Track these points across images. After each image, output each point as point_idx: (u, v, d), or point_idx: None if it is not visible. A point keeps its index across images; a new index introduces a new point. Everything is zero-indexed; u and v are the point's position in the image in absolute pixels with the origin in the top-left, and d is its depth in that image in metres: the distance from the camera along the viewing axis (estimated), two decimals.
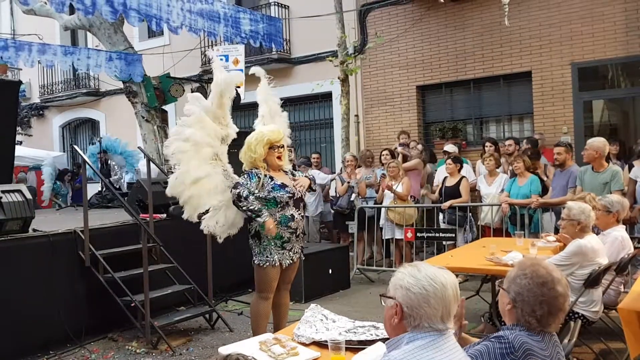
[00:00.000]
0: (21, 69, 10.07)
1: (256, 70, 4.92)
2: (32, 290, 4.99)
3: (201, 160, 4.34)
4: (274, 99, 4.93)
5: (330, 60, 9.98)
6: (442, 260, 5.05)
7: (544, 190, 6.90)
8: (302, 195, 4.41)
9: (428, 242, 7.74)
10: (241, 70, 10.26)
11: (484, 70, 10.01)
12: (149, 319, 5.04)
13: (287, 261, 4.38)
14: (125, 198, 7.15)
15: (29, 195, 5.25)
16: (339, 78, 9.84)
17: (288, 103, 12.57)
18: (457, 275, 5.25)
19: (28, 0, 5.49)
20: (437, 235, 7.25)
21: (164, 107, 10.40)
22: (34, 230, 5.30)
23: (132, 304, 5.17)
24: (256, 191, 4.22)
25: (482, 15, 9.91)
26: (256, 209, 4.17)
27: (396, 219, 7.65)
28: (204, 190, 4.33)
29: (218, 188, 4.35)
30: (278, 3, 12.08)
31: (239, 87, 9.82)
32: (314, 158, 9.51)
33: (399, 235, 7.62)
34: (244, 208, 4.20)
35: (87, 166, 5.84)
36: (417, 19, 10.53)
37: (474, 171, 8.37)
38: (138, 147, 6.72)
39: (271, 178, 4.29)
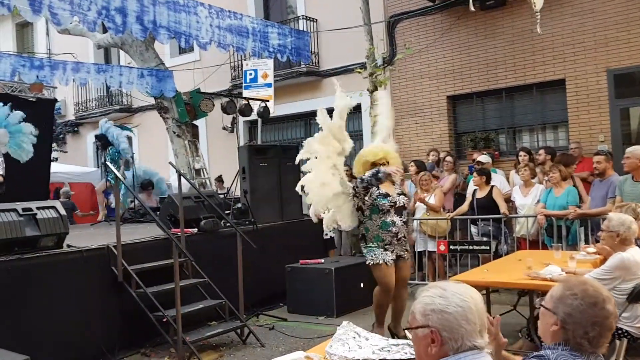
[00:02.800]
0: (56, 87, 10.32)
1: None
2: (66, 306, 5.04)
3: (322, 171, 5.29)
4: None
5: (359, 72, 9.94)
6: (477, 274, 4.92)
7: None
8: (404, 204, 5.22)
9: (462, 254, 7.57)
10: (270, 84, 10.33)
11: (516, 79, 9.83)
12: (181, 334, 5.03)
13: (390, 261, 5.11)
14: (157, 213, 7.20)
15: (63, 212, 5.33)
16: (367, 90, 9.79)
17: (316, 116, 12.63)
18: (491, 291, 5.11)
19: (61, 20, 5.59)
20: (471, 247, 7.09)
21: (194, 122, 10.52)
22: (68, 245, 5.37)
23: (164, 319, 5.17)
24: (366, 197, 5.11)
25: (514, 23, 9.76)
26: (367, 178, 5.04)
27: (428, 231, 7.53)
28: (327, 193, 5.24)
29: (335, 193, 5.23)
30: (306, 16, 12.13)
31: (267, 100, 9.90)
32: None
33: (431, 247, 7.49)
34: (364, 183, 5.07)
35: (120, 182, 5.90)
36: (447, 29, 10.43)
37: (508, 182, 8.17)
38: (169, 163, 6.78)
39: (377, 187, 5.09)
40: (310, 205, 5.72)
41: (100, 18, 6.00)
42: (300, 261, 6.94)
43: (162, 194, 10.46)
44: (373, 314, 6.57)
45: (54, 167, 9.68)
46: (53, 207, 5.28)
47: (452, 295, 1.70)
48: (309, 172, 5.39)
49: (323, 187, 5.20)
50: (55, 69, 8.69)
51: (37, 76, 8.56)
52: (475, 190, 7.44)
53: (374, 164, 5.16)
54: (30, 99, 9.56)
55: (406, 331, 1.81)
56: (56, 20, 5.58)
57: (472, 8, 8.57)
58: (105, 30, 9.91)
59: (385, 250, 5.11)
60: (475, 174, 7.49)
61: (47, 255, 5.07)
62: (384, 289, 5.15)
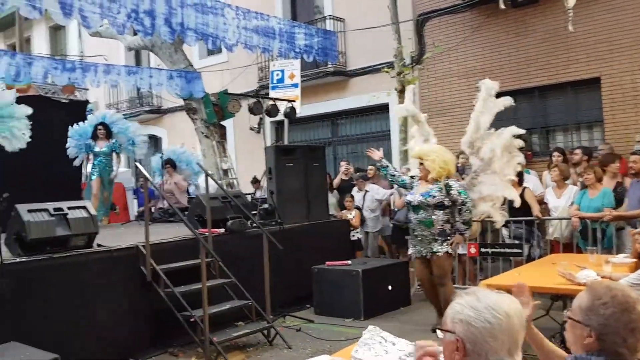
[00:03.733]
0: (88, 89, 10.47)
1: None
2: (96, 305, 5.10)
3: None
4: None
5: (387, 72, 9.85)
6: (509, 278, 4.80)
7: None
8: (418, 203, 5.56)
9: (493, 258, 7.42)
10: (297, 84, 10.31)
11: (549, 78, 9.60)
12: (208, 334, 5.04)
13: (413, 255, 5.77)
14: (186, 213, 7.24)
15: (93, 212, 5.39)
16: (395, 89, 9.69)
17: (344, 115, 12.60)
18: None
19: (91, 23, 5.66)
20: (502, 250, 6.94)
21: (222, 122, 10.57)
22: (98, 245, 5.43)
23: (192, 319, 5.19)
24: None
25: (546, 20, 9.54)
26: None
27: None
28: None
29: None
30: (334, 16, 12.09)
31: (294, 101, 9.89)
32: (370, 170, 9.37)
33: (462, 250, 7.36)
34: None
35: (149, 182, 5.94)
36: (477, 27, 10.26)
37: (542, 183, 7.97)
38: (197, 163, 6.81)
39: (415, 186, 5.73)
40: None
41: (129, 21, 6.07)
42: (327, 262, 6.90)
43: (195, 173, 10.32)
44: (401, 315, 6.53)
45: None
46: (83, 207, 5.35)
47: (485, 309, 1.61)
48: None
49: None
50: (86, 71, 8.83)
51: (69, 78, 8.71)
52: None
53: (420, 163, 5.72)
54: (63, 101, 9.75)
55: (437, 330, 1.74)
56: (86, 23, 5.66)
57: (502, 5, 8.41)
58: (135, 33, 10.05)
59: (416, 245, 5.69)
60: None
61: (78, 255, 5.13)
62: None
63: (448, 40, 10.54)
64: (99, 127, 9.23)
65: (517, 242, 6.89)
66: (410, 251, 5.77)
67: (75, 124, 9.37)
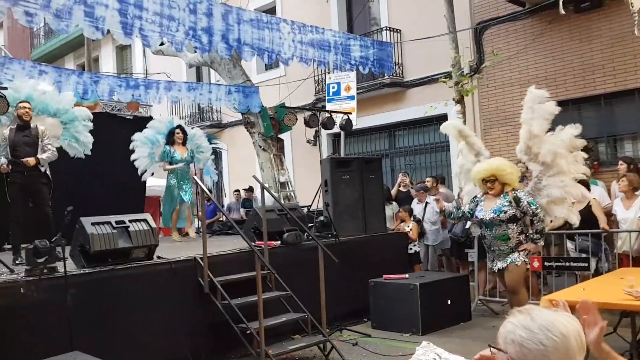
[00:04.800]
0: (151, 105, 10.85)
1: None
2: (155, 315, 5.21)
3: (467, 176, 6.35)
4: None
5: (444, 82, 9.68)
6: (573, 293, 4.57)
7: None
8: (491, 221, 5.54)
9: (558, 272, 7.10)
10: (352, 97, 10.31)
11: (615, 84, 9.16)
12: (264, 347, 5.05)
13: (491, 267, 5.87)
14: (242, 226, 7.33)
15: (153, 224, 5.53)
16: (453, 99, 9.51)
17: (401, 127, 12.47)
18: None
19: (150, 41, 5.87)
20: (567, 264, 6.62)
21: (280, 135, 10.69)
22: (158, 257, 5.56)
23: (248, 331, 5.22)
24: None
25: (611, 25, 9.13)
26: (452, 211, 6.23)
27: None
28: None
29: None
30: (390, 27, 12.03)
31: (350, 113, 9.88)
32: (427, 182, 9.22)
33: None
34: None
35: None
36: (538, 34, 9.94)
37: (609, 194, 7.58)
38: (253, 176, 6.88)
39: (482, 202, 5.70)
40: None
41: (187, 38, 6.25)
42: (384, 276, 6.79)
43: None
44: (461, 331, 6.33)
45: (150, 181, 10.10)
46: (144, 220, 5.50)
47: (539, 330, 1.50)
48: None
49: (469, 196, 6.25)
50: (149, 88, 9.15)
51: (133, 95, 9.05)
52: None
53: (484, 181, 5.60)
54: (128, 117, 10.15)
55: (490, 348, 1.64)
56: (146, 41, 5.87)
57: (562, 11, 8.10)
58: (195, 50, 10.36)
59: (492, 260, 5.79)
60: None
61: (138, 266, 5.27)
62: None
63: (508, 48, 10.27)
64: (177, 130, 8.40)
65: (583, 255, 6.57)
66: (488, 265, 5.96)
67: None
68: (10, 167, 5.96)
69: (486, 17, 10.62)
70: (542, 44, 9.92)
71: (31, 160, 5.91)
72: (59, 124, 7.03)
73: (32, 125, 6.19)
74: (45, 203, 6.10)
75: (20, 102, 6.18)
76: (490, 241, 5.63)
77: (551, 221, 6.40)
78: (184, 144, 8.47)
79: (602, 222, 6.58)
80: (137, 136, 8.65)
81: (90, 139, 7.23)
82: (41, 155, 6.06)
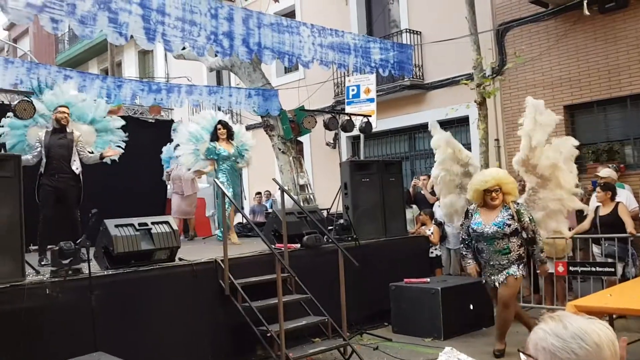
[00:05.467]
0: (173, 109, 10.96)
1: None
2: (177, 317, 5.25)
3: (449, 187, 6.46)
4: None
5: (466, 84, 9.60)
6: (599, 299, 4.49)
7: None
8: (493, 235, 5.22)
9: (583, 277, 6.98)
10: (372, 99, 10.27)
11: None
12: (284, 349, 5.05)
13: (487, 280, 5.47)
14: (262, 228, 7.35)
15: (175, 227, 5.57)
16: (475, 101, 9.42)
17: (422, 129, 12.39)
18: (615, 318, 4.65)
19: (173, 46, 5.93)
20: (593, 269, 6.51)
21: (299, 138, 10.70)
22: (180, 259, 5.60)
23: (268, 334, 5.22)
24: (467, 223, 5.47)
25: (637, 25, 8.96)
26: (463, 253, 5.66)
27: (546, 251, 7.01)
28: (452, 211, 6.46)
29: (459, 213, 5.94)
30: (410, 30, 11.98)
31: (370, 115, 9.85)
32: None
33: (551, 268, 6.97)
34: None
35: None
36: (562, 35, 9.81)
37: (637, 197, 7.43)
38: (273, 179, 6.90)
39: (478, 214, 5.34)
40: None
41: (208, 43, 6.29)
42: (405, 280, 6.75)
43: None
44: (483, 337, 6.26)
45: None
46: (166, 222, 5.54)
47: (571, 338, 1.44)
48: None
49: (450, 207, 6.15)
50: (170, 92, 9.24)
51: (155, 99, 9.14)
52: (598, 207, 6.83)
53: (487, 191, 5.24)
54: (150, 121, 10.26)
55: (521, 353, 1.60)
56: (169, 46, 5.92)
57: (586, 12, 8.00)
58: (216, 54, 10.43)
59: (489, 275, 5.42)
60: (598, 189, 6.89)
61: (161, 268, 5.32)
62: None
63: (531, 49, 10.15)
64: (218, 126, 7.89)
65: (609, 260, 6.44)
66: (484, 281, 5.52)
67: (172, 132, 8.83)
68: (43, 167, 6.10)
69: (508, 19, 10.51)
70: (566, 45, 9.78)
71: (114, 152, 6.49)
72: (93, 132, 7.18)
73: (67, 130, 6.35)
74: (74, 207, 6.21)
75: (60, 107, 6.37)
76: (490, 255, 5.31)
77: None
78: (229, 139, 7.95)
79: (629, 226, 6.44)
80: (181, 132, 8.41)
81: (120, 149, 7.35)
82: (89, 154, 6.39)
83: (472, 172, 6.07)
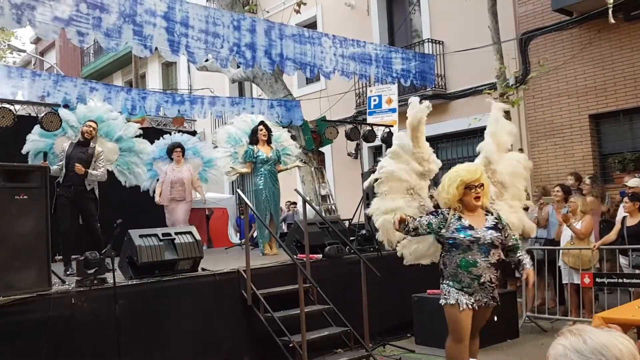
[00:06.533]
0: (196, 120, 11.09)
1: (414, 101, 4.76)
2: (199, 326, 5.27)
3: (395, 192, 4.55)
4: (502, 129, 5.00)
5: (489, 93, 9.53)
6: (627, 311, 4.38)
7: None
8: (492, 241, 4.05)
9: (610, 289, 6.84)
10: (394, 109, 10.26)
11: None
12: None
13: (466, 304, 4.06)
14: (284, 238, 7.36)
15: (198, 237, 5.62)
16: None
17: (444, 139, 12.32)
18: None
19: (196, 58, 6.01)
20: (620, 281, 6.37)
21: (321, 149, 10.72)
22: (202, 269, 5.63)
23: (290, 344, 5.21)
24: (442, 230, 4.15)
25: None
26: (411, 227, 4.22)
27: (570, 262, 6.89)
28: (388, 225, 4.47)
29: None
30: (432, 39, 11.95)
31: (392, 126, 9.83)
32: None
33: (577, 280, 6.84)
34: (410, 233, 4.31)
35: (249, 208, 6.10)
36: (587, 43, 9.69)
37: None
38: (295, 190, 6.91)
39: (460, 218, 4.12)
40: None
41: (231, 54, 6.36)
42: (428, 291, 6.67)
43: (204, 162, 8.80)
44: (508, 349, 6.14)
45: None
46: (189, 233, 5.59)
47: (591, 353, 1.40)
48: (378, 196, 4.64)
49: (392, 215, 4.35)
50: (194, 104, 9.35)
51: (179, 110, 9.26)
52: (625, 217, 6.70)
53: (470, 187, 4.05)
54: (173, 132, 10.37)
55: None
56: (192, 58, 6.01)
57: (611, 20, 7.88)
58: (238, 66, 10.53)
59: (464, 293, 4.07)
60: (626, 199, 6.76)
61: (184, 278, 5.35)
62: (455, 339, 4.12)
63: (555, 58, 10.05)
64: (260, 127, 7.62)
65: (637, 272, 6.30)
66: (462, 299, 4.05)
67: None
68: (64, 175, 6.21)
69: (532, 27, 10.43)
70: (591, 53, 9.66)
71: (80, 169, 6.12)
72: (117, 150, 7.27)
73: (91, 144, 6.48)
74: (93, 218, 6.30)
75: (89, 121, 6.55)
76: (484, 270, 4.04)
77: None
78: (268, 142, 7.67)
79: None
80: (220, 135, 8.21)
81: (143, 174, 7.51)
82: (91, 170, 6.27)
83: (428, 176, 4.67)
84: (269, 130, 7.70)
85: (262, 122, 7.74)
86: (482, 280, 4.05)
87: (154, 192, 8.32)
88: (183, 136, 8.88)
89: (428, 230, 4.19)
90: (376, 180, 4.64)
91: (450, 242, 4.11)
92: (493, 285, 4.12)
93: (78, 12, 5.31)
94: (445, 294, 4.16)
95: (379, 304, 6.25)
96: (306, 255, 6.16)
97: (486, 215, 4.18)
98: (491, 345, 6.17)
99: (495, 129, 4.93)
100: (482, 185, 4.10)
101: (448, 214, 4.16)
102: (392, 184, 4.54)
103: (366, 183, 4.67)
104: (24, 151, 6.90)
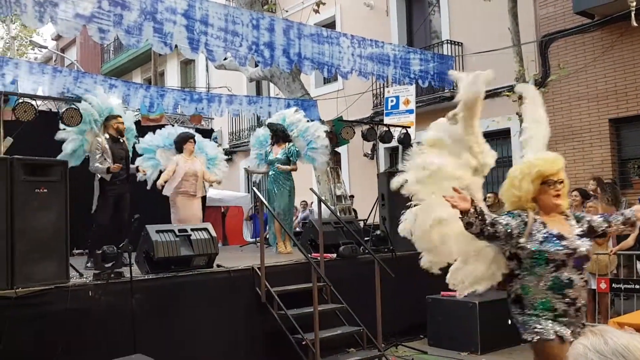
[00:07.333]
0: (213, 118, 11.16)
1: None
2: (213, 322, 5.31)
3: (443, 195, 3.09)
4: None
5: (507, 96, 9.46)
6: None
7: None
8: (587, 253, 3.12)
9: (626, 294, 6.76)
10: (412, 110, 10.23)
11: None
12: (319, 358, 5.05)
13: (568, 336, 2.97)
14: (299, 237, 7.38)
15: (214, 233, 5.66)
16: (517, 114, 9.27)
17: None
18: None
19: (215, 56, 6.06)
20: (637, 287, 6.30)
21: (337, 149, 10.73)
22: (218, 265, 5.68)
23: (303, 342, 5.23)
24: (522, 240, 3.05)
25: None
26: (488, 220, 3.02)
27: (587, 267, 6.80)
28: (450, 235, 3.36)
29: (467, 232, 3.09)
30: (451, 41, 11.90)
31: (409, 127, 9.80)
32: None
33: (594, 285, 6.77)
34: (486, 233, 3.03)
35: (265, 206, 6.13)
36: (608, 47, 9.58)
37: None
38: (310, 189, 6.93)
39: (544, 225, 3.08)
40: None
41: (250, 53, 6.41)
42: (442, 292, 6.65)
43: (209, 159, 8.27)
44: (522, 352, 6.09)
45: (210, 192, 10.33)
46: (205, 229, 5.64)
47: (612, 354, 1.39)
48: (416, 200, 3.46)
49: (441, 226, 3.32)
50: (211, 102, 9.43)
51: (196, 108, 9.34)
52: None
53: (548, 182, 3.15)
54: (191, 129, 10.46)
55: None
56: (211, 56, 6.06)
57: (634, 23, 7.78)
58: (256, 65, 10.59)
59: (559, 324, 3.01)
60: None
61: (199, 274, 5.40)
62: None
63: (575, 61, 9.95)
64: (278, 126, 7.75)
65: None
66: (561, 331, 2.98)
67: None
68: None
69: (552, 30, 10.34)
70: (612, 57, 9.55)
71: (119, 167, 6.25)
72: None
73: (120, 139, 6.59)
74: (127, 210, 6.40)
75: (119, 117, 6.55)
76: (580, 292, 3.08)
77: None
78: (284, 140, 7.62)
79: None
80: (254, 136, 8.33)
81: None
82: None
83: (482, 172, 3.56)
84: (273, 130, 7.65)
85: (269, 124, 7.86)
86: (578, 306, 3.05)
87: (153, 182, 7.69)
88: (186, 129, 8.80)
89: (507, 232, 3.04)
90: (408, 181, 3.43)
91: (536, 256, 3.05)
92: (586, 308, 3.21)
93: (100, 9, 5.39)
94: (533, 327, 3.07)
95: (393, 304, 6.25)
96: (320, 254, 6.18)
97: (567, 218, 3.19)
98: (504, 349, 6.14)
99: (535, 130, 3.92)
100: (562, 181, 3.19)
101: (527, 217, 3.11)
102: (442, 183, 3.29)
103: (395, 183, 3.46)
104: (69, 150, 6.66)
